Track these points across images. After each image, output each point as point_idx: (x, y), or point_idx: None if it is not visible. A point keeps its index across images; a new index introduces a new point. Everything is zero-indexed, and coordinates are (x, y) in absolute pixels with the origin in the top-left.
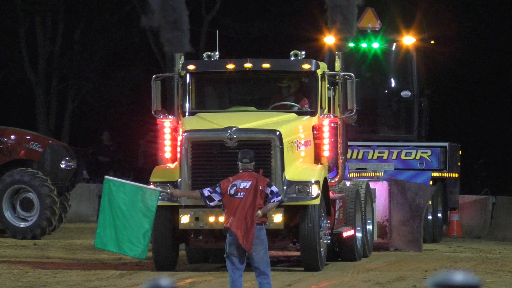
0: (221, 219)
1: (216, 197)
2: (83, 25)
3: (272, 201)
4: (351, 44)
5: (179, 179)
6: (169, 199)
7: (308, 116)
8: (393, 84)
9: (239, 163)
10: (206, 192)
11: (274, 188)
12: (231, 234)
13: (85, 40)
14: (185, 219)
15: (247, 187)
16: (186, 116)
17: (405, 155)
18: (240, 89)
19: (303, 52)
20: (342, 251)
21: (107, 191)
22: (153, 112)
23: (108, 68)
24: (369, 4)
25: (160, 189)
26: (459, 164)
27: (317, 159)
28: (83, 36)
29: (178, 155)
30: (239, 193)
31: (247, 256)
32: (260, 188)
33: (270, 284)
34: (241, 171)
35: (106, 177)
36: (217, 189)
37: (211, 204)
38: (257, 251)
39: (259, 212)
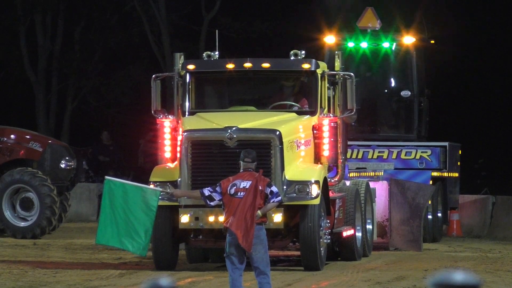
0: (221, 218)
1: (217, 197)
2: (83, 25)
3: (271, 201)
4: (351, 44)
5: (179, 179)
6: (169, 199)
7: (308, 116)
8: (393, 84)
9: (241, 162)
10: (206, 191)
11: (274, 188)
12: (231, 234)
13: (85, 40)
14: (185, 218)
15: (247, 187)
16: (186, 115)
17: (405, 155)
18: (240, 89)
19: (303, 52)
20: (342, 250)
21: (107, 191)
22: (153, 112)
23: (108, 68)
24: (369, 4)
25: (161, 189)
26: (459, 163)
27: (317, 158)
28: (83, 36)
29: (178, 155)
30: (239, 192)
31: (247, 256)
32: (260, 188)
33: (269, 283)
34: (241, 171)
35: (107, 177)
36: (217, 188)
37: (212, 203)
38: (257, 251)
39: (259, 212)
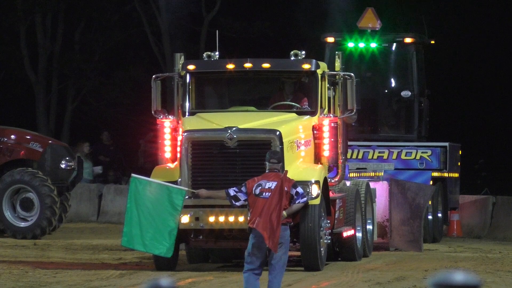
0: (221, 218)
1: (242, 197)
2: (83, 25)
3: (297, 202)
4: (351, 44)
5: (179, 179)
6: None
7: (308, 116)
8: (393, 84)
9: (267, 163)
10: (232, 191)
11: (300, 189)
12: (256, 234)
13: (85, 40)
14: (185, 219)
15: (272, 187)
16: (186, 116)
17: (405, 155)
18: (240, 89)
19: (303, 52)
20: (342, 251)
21: (133, 190)
22: (153, 112)
23: (108, 68)
24: (369, 4)
25: (186, 188)
26: (459, 164)
27: (317, 159)
28: (83, 36)
29: (178, 155)
30: (264, 193)
31: (268, 256)
32: (286, 189)
33: (279, 284)
34: (267, 171)
35: (133, 175)
36: (243, 188)
37: (237, 204)
38: (278, 250)
39: (284, 212)
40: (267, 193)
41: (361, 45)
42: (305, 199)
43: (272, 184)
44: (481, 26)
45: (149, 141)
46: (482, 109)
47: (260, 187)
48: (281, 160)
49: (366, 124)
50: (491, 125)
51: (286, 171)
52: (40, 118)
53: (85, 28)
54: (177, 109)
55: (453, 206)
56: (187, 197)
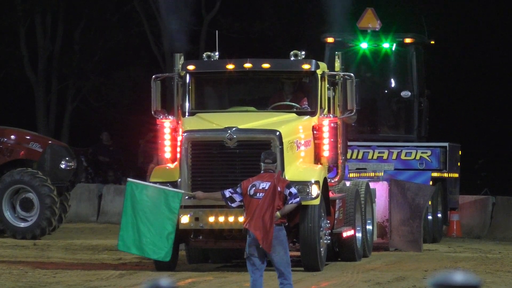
0: (221, 219)
1: (237, 198)
2: (83, 25)
3: (290, 202)
4: (351, 44)
5: (179, 179)
6: None
7: (308, 116)
8: (393, 84)
9: (262, 164)
10: (227, 193)
11: (293, 190)
12: (250, 235)
13: (85, 40)
14: (185, 219)
15: (266, 188)
16: (186, 116)
17: (405, 155)
18: (240, 89)
19: (303, 52)
20: (342, 251)
21: (129, 194)
22: (153, 112)
23: (108, 68)
24: (369, 4)
25: (183, 191)
26: (459, 164)
27: (317, 159)
28: (83, 36)
29: (178, 155)
30: (258, 193)
31: (268, 257)
32: (279, 189)
33: (291, 284)
34: (262, 172)
35: (129, 179)
36: (238, 189)
37: (233, 205)
38: (277, 251)
39: (278, 213)
40: (261, 194)
41: (361, 45)
42: (298, 199)
43: (266, 185)
44: (481, 26)
45: (149, 141)
46: (482, 109)
47: (254, 188)
48: (275, 160)
49: (366, 124)
50: (491, 125)
51: (280, 171)
52: (40, 118)
53: (85, 28)
54: (177, 109)
55: (453, 206)
56: (186, 197)
